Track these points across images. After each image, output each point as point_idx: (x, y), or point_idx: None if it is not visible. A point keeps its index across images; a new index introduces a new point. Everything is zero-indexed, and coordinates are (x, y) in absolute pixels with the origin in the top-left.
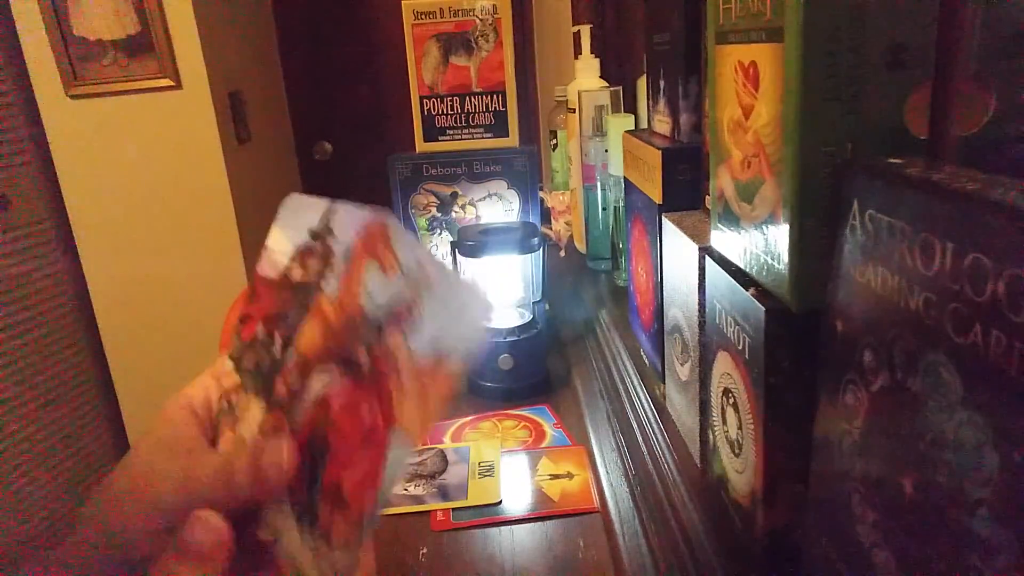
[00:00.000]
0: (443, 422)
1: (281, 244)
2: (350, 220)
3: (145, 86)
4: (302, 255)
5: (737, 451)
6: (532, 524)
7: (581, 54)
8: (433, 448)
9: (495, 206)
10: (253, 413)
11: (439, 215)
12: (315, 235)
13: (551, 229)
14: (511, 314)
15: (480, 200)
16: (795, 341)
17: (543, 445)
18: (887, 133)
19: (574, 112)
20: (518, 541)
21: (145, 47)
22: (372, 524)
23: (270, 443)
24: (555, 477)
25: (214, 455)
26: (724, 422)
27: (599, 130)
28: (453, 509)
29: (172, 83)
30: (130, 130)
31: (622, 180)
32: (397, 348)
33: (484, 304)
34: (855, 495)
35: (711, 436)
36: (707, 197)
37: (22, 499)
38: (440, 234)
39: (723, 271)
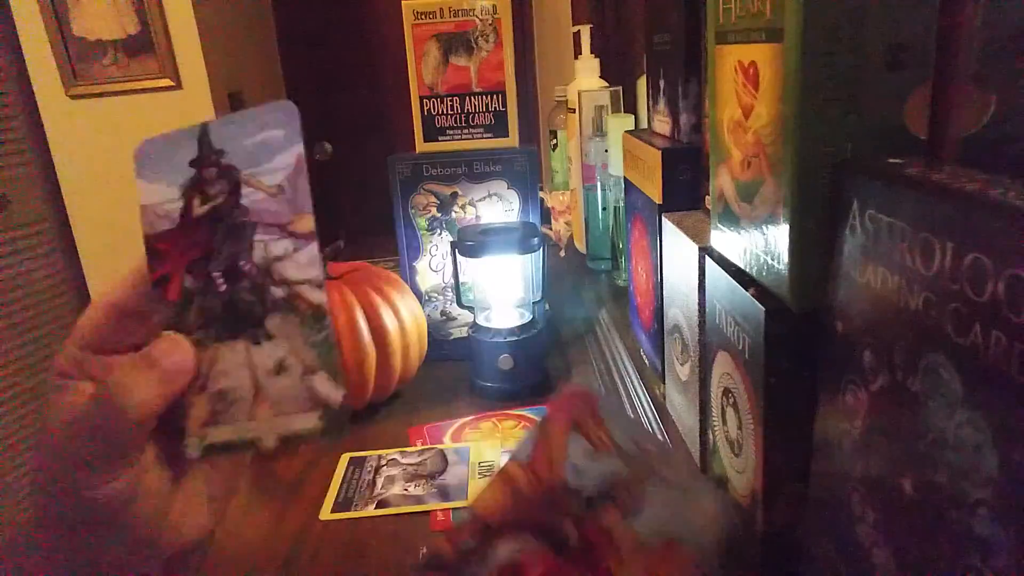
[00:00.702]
0: (443, 422)
1: (162, 194)
2: (238, 130)
3: (145, 86)
4: (197, 188)
5: (737, 451)
6: None
7: (581, 54)
8: (433, 448)
9: (495, 206)
10: (237, 355)
11: (439, 215)
12: (200, 162)
13: (551, 229)
14: (511, 314)
15: (480, 200)
16: (795, 341)
17: None
18: (887, 133)
19: (574, 112)
20: None
21: (145, 47)
22: None
23: (157, 342)
24: None
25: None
26: (724, 422)
27: (599, 130)
28: (453, 509)
29: (172, 83)
30: (130, 130)
31: (622, 180)
32: (614, 526)
33: (714, 493)
34: (855, 495)
35: (711, 436)
36: (707, 197)
37: (22, 499)
38: (440, 234)
39: (723, 271)
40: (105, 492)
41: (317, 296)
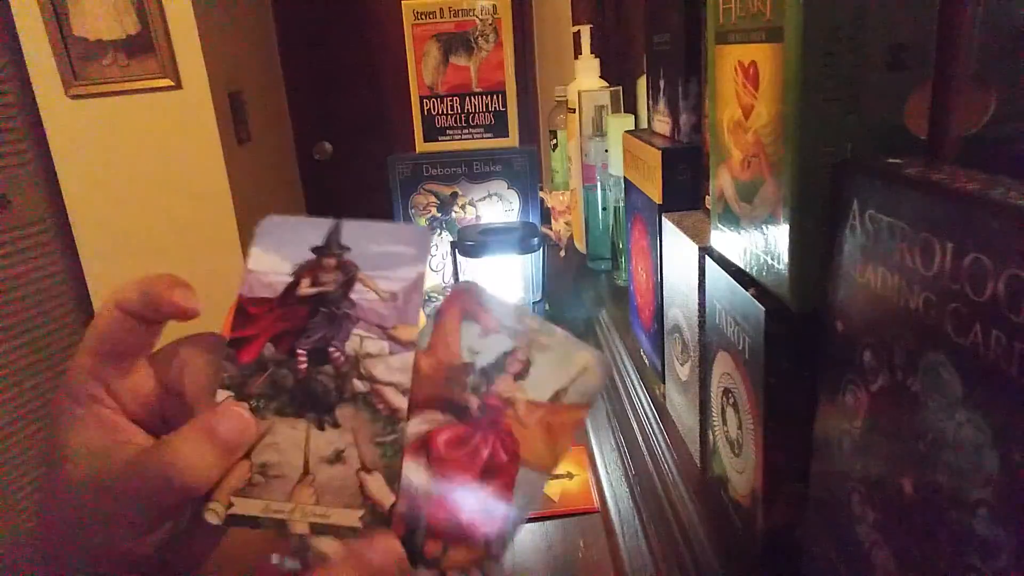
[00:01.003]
0: None
1: (272, 265)
2: (368, 235)
3: (145, 86)
4: (310, 272)
5: (737, 451)
6: (532, 524)
7: (581, 54)
8: None
9: (495, 206)
10: (294, 434)
11: (439, 215)
12: (323, 251)
13: (551, 229)
14: None
15: (480, 200)
16: (795, 341)
17: None
18: (887, 133)
19: (574, 112)
20: (518, 541)
21: (145, 47)
22: (501, 546)
23: (219, 413)
24: (555, 477)
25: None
26: (724, 422)
27: (599, 130)
28: None
29: (172, 83)
30: (130, 130)
31: (622, 180)
32: (509, 391)
33: (594, 356)
34: (855, 495)
35: (711, 436)
36: (707, 197)
37: (22, 499)
38: (440, 234)
39: (723, 271)
40: (139, 544)
41: (398, 401)
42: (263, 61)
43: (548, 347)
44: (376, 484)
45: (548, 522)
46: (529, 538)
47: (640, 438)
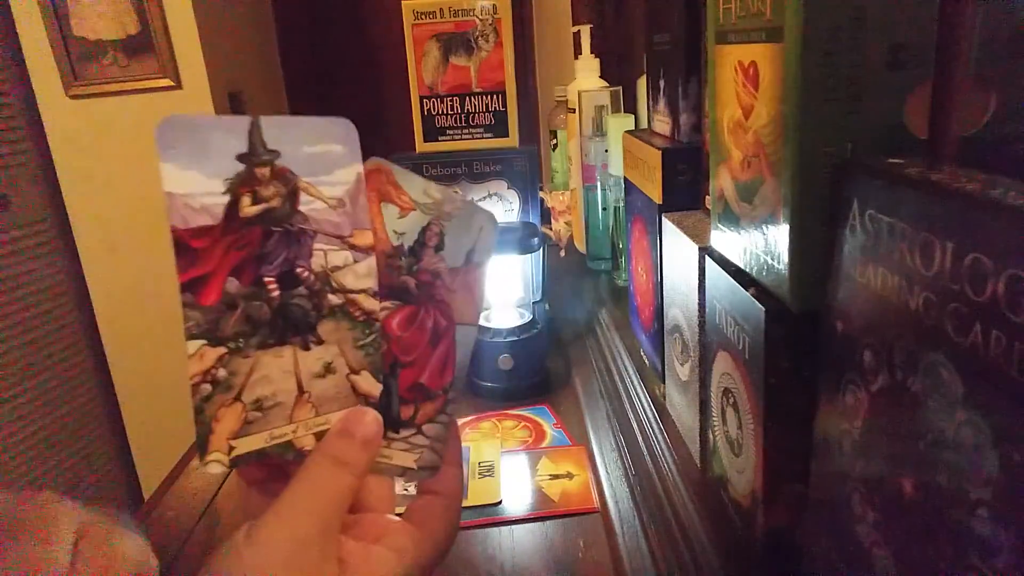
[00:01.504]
0: None
1: (199, 184)
2: (293, 134)
3: (145, 86)
4: (247, 186)
5: (737, 451)
6: (532, 524)
7: (581, 54)
8: None
9: (495, 206)
10: (282, 361)
11: None
12: (253, 160)
13: (551, 229)
14: (511, 314)
15: (480, 200)
16: (795, 341)
17: (543, 445)
18: (887, 133)
19: (574, 112)
20: (518, 541)
21: (145, 47)
22: (455, 389)
23: (347, 418)
24: (555, 477)
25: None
26: (724, 422)
27: (599, 130)
28: None
29: (172, 83)
30: (130, 130)
31: (622, 180)
32: (434, 264)
33: (486, 215)
34: (855, 495)
35: (711, 436)
36: (707, 197)
37: None
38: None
39: (723, 271)
40: None
41: (371, 304)
42: (263, 61)
43: (452, 214)
44: (365, 381)
45: (548, 522)
46: (529, 538)
47: (640, 438)
